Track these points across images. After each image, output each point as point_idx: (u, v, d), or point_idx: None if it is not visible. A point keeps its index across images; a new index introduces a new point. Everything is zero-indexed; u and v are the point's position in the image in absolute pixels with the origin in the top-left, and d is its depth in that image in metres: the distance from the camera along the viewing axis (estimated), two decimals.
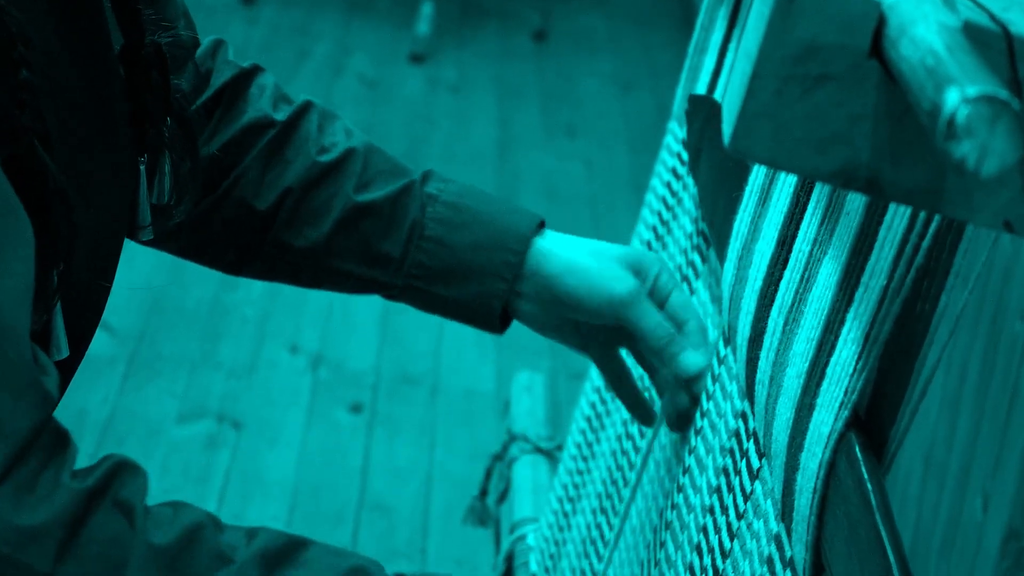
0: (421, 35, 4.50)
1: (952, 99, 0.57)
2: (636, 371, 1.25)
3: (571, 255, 1.18)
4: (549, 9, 4.71)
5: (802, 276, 0.88)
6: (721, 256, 1.08)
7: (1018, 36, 0.65)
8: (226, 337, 3.11)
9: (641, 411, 1.22)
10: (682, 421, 1.13)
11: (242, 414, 2.88)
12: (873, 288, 0.78)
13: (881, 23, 0.68)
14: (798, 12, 0.69)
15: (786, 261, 0.91)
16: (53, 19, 0.92)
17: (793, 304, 0.89)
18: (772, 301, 0.92)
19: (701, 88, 1.28)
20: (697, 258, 1.25)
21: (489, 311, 1.19)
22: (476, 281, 1.19)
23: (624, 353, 1.23)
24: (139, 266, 3.28)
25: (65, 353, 0.93)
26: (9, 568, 0.75)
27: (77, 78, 0.95)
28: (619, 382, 1.23)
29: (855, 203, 0.83)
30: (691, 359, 1.12)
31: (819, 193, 0.89)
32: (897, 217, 0.77)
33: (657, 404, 1.22)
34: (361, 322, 3.22)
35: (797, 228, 0.91)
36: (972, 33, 0.65)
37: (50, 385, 0.82)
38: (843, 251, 0.83)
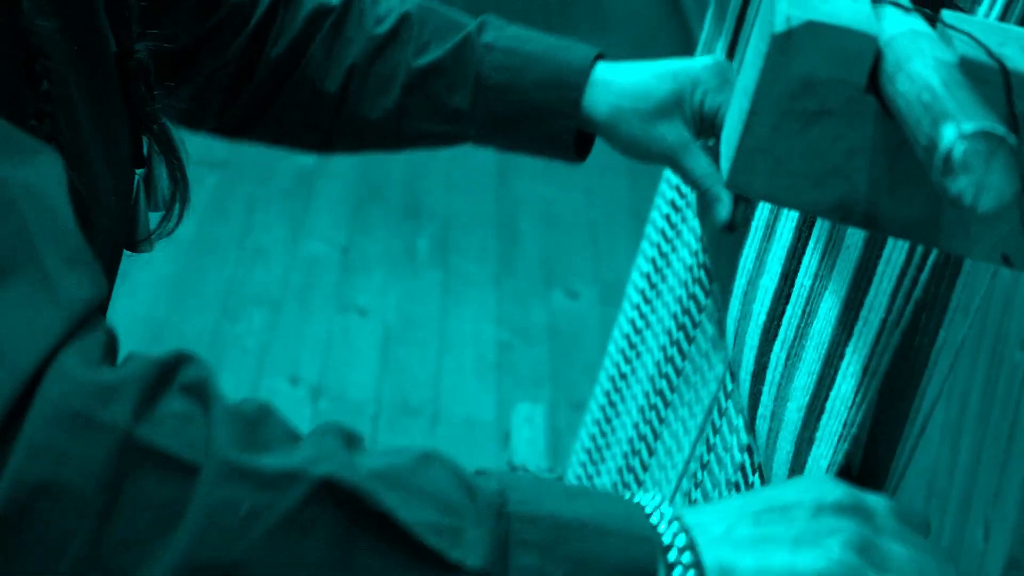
0: None
1: (948, 135, 0.57)
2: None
3: (624, 92, 1.22)
4: None
5: (803, 311, 0.88)
6: (726, 291, 1.08)
7: (1015, 71, 0.65)
8: (226, 368, 3.10)
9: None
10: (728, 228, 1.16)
11: None
12: (872, 322, 0.78)
13: (878, 58, 0.68)
14: (795, 48, 0.69)
15: (788, 296, 0.91)
16: (64, 31, 0.92)
17: (795, 339, 0.89)
18: (775, 336, 0.92)
19: None
20: (699, 291, 1.25)
21: (564, 146, 1.25)
22: (545, 121, 1.24)
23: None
24: (140, 295, 3.29)
25: None
26: (85, 425, 0.72)
27: (84, 88, 0.95)
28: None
29: (855, 237, 0.83)
30: (724, 210, 1.15)
31: (820, 228, 0.89)
32: (896, 251, 0.77)
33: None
34: (361, 352, 3.21)
35: (799, 263, 0.91)
36: (969, 69, 0.65)
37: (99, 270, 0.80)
38: (843, 285, 0.83)
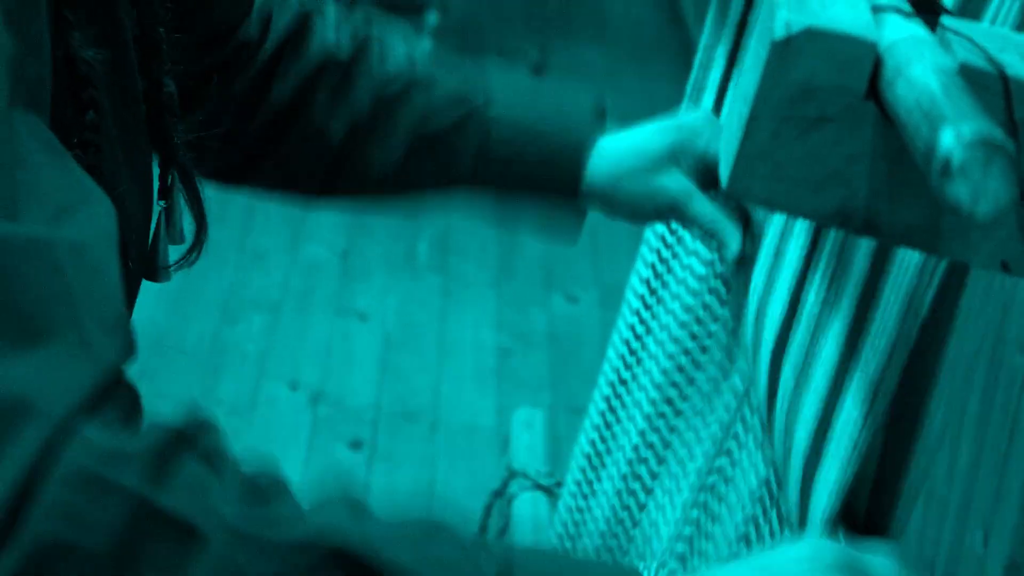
0: None
1: (947, 140, 0.57)
2: None
3: (622, 160, 1.24)
4: (547, 43, 4.72)
5: (812, 335, 0.88)
6: (739, 315, 1.08)
7: (1014, 78, 0.66)
8: (226, 374, 3.10)
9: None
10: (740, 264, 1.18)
11: (242, 451, 2.87)
12: (878, 346, 0.78)
13: (877, 64, 0.68)
14: (794, 54, 0.69)
15: (796, 319, 0.92)
16: (109, 62, 0.93)
17: (804, 362, 0.89)
18: (784, 357, 0.92)
19: None
20: (715, 301, 1.25)
21: (563, 222, 1.29)
22: (545, 192, 1.26)
23: None
24: (140, 300, 3.28)
25: None
26: (103, 489, 0.73)
27: (119, 120, 0.96)
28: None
29: (861, 260, 0.83)
30: (733, 246, 1.17)
31: (828, 251, 0.89)
32: (902, 271, 0.77)
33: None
34: (361, 358, 3.21)
35: (807, 287, 0.91)
36: (968, 75, 0.65)
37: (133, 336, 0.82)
38: (849, 308, 0.83)
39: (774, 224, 1.04)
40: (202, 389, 3.03)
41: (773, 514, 0.97)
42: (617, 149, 1.25)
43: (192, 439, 0.79)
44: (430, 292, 3.46)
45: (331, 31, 1.29)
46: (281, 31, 1.28)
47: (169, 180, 1.07)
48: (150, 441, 0.76)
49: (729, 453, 1.11)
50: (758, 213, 1.15)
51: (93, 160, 0.88)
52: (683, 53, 4.62)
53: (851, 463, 0.80)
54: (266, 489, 0.79)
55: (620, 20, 5.23)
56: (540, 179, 1.25)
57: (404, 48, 1.32)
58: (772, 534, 0.96)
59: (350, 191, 1.32)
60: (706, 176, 1.22)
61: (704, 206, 1.20)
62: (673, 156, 1.22)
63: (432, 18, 4.55)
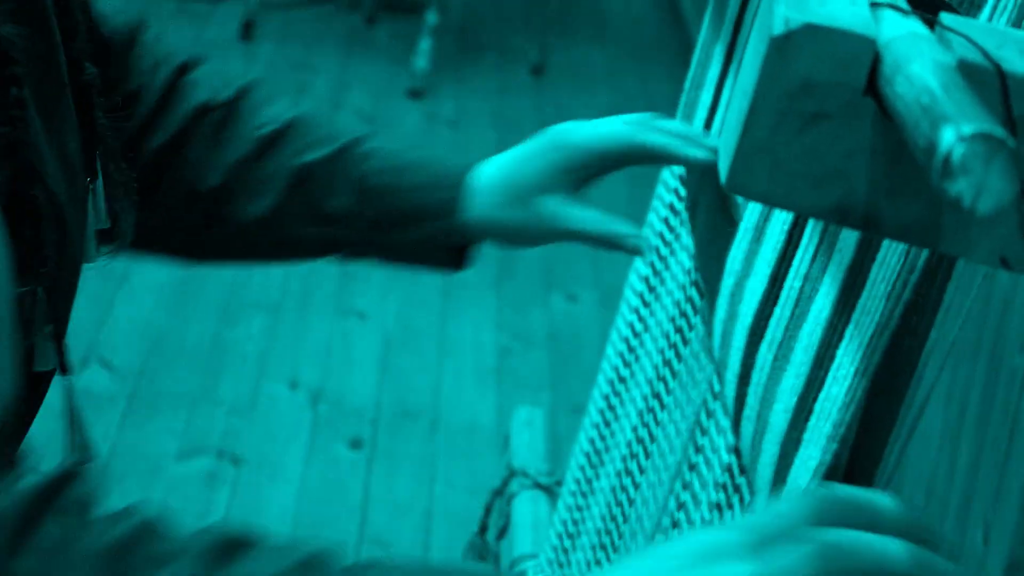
0: (419, 70, 4.51)
1: (948, 137, 0.57)
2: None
3: (496, 191, 1.22)
4: (547, 43, 4.72)
5: (792, 312, 0.88)
6: (713, 297, 1.08)
7: (1012, 74, 0.66)
8: (226, 373, 3.10)
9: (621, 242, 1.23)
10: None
11: (242, 450, 2.87)
12: (864, 324, 0.78)
13: (876, 60, 0.68)
14: (794, 49, 0.69)
15: (777, 297, 0.92)
16: (29, 38, 0.93)
17: (783, 340, 0.89)
18: (762, 337, 0.92)
19: (698, 124, 1.29)
20: (695, 293, 1.25)
21: (444, 249, 1.24)
22: (424, 223, 1.22)
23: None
24: (140, 301, 3.29)
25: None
26: None
27: (41, 97, 0.95)
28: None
29: (847, 240, 0.83)
30: (631, 241, 1.18)
31: (812, 230, 0.89)
32: (890, 253, 0.77)
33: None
34: (361, 357, 3.22)
35: (789, 265, 0.91)
36: (967, 71, 0.65)
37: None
38: (834, 287, 0.83)
39: (752, 204, 1.04)
40: (202, 389, 3.03)
41: (736, 500, 0.97)
42: (491, 181, 1.22)
43: (56, 493, 0.80)
44: (430, 292, 3.46)
45: (212, 78, 1.27)
46: (162, 78, 1.26)
47: (96, 162, 1.06)
48: (13, 504, 0.77)
49: (695, 443, 1.12)
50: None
51: (21, 135, 0.88)
52: (683, 53, 4.62)
53: (832, 443, 0.80)
54: (129, 537, 0.79)
55: (620, 20, 5.23)
56: (419, 207, 1.22)
57: (292, 99, 1.30)
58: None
59: (226, 243, 1.28)
60: (581, 177, 1.20)
61: (586, 216, 1.19)
62: (544, 178, 1.21)
63: (431, 18, 4.55)
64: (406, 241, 1.24)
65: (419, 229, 1.22)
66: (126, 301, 3.12)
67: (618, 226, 1.18)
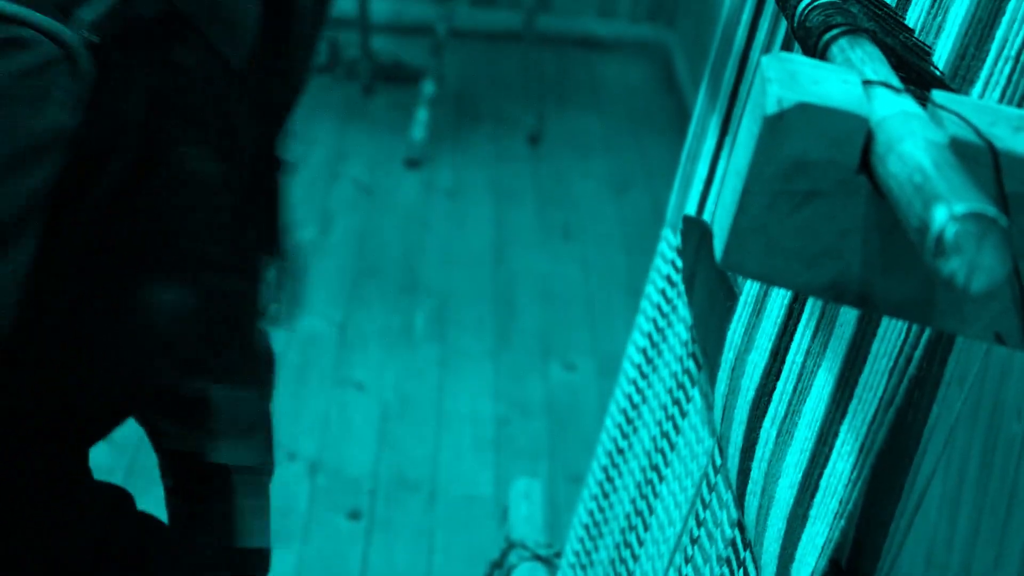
0: (416, 140, 4.52)
1: (940, 216, 0.58)
2: None
3: None
4: (543, 112, 4.74)
5: (795, 387, 0.88)
6: (714, 369, 1.09)
7: (1004, 151, 0.66)
8: None
9: None
10: None
11: None
12: (867, 400, 0.78)
13: (869, 139, 0.69)
14: (786, 129, 0.69)
15: (779, 372, 0.92)
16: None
17: (786, 415, 0.89)
18: (765, 412, 0.92)
19: (694, 196, 1.29)
20: (692, 366, 1.25)
21: None
22: None
23: None
24: None
25: None
26: None
27: None
28: None
29: (848, 316, 0.83)
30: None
31: (812, 305, 0.90)
32: (891, 329, 0.78)
33: None
34: (359, 428, 3.21)
35: (791, 339, 0.91)
36: (959, 149, 0.65)
37: None
38: (837, 362, 0.83)
39: (751, 281, 1.04)
40: None
41: (740, 574, 0.97)
42: None
43: None
44: (427, 363, 3.46)
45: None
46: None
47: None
48: None
49: (696, 516, 1.11)
50: None
51: None
52: (680, 120, 4.64)
53: (839, 520, 0.80)
54: None
55: (616, 88, 5.25)
56: None
57: None
58: None
59: None
60: None
61: None
62: None
63: (428, 88, 4.57)
64: None
65: None
66: None
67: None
